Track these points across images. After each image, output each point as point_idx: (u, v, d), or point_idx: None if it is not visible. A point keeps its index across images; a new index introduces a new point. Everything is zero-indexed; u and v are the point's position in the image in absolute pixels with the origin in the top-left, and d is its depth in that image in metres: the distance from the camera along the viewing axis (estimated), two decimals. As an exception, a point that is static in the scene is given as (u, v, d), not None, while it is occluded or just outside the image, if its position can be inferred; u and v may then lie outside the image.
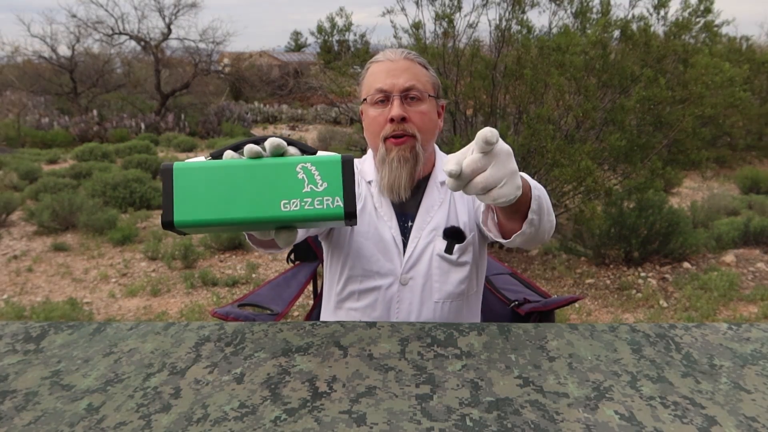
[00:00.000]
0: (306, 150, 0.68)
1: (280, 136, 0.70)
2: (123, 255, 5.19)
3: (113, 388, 0.76)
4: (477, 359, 0.81)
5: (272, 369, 0.79)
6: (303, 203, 0.63)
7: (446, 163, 0.77)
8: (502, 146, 0.78)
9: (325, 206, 0.63)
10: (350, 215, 0.64)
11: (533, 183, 1.03)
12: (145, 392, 0.75)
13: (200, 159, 0.68)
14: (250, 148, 0.68)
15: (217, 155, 0.68)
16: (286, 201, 0.63)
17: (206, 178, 0.63)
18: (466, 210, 1.31)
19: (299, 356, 0.83)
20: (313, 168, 0.63)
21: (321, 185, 0.63)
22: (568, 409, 0.69)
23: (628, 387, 0.74)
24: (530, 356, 0.82)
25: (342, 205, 0.63)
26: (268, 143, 0.69)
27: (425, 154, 1.27)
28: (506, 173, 0.78)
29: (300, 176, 0.63)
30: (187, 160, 0.67)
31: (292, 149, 0.69)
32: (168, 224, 0.63)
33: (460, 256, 1.28)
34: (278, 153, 0.68)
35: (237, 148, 0.68)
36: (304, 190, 0.63)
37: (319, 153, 0.69)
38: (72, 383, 0.77)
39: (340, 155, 0.66)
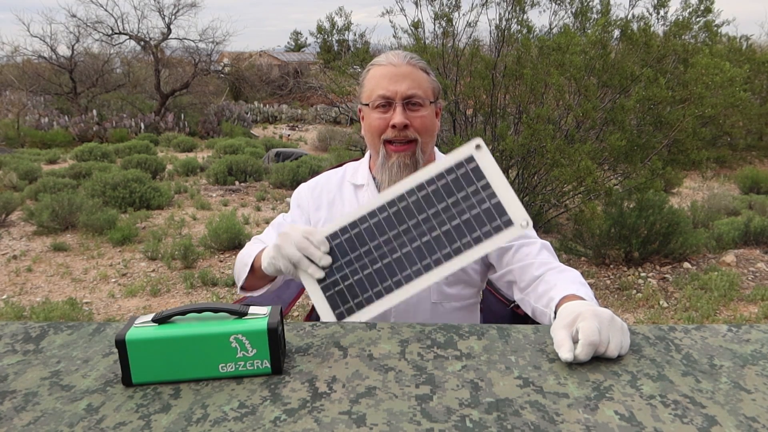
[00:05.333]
0: (235, 312, 0.80)
1: (207, 305, 0.80)
2: (123, 255, 5.19)
3: (113, 389, 0.76)
4: (477, 360, 0.81)
5: (272, 369, 0.79)
6: (237, 365, 0.78)
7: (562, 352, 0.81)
8: (603, 316, 0.83)
9: (255, 367, 0.78)
10: (277, 372, 0.79)
11: (591, 294, 1.07)
12: (145, 392, 0.75)
13: (148, 318, 0.79)
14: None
15: (164, 318, 0.79)
16: (224, 364, 0.78)
17: (155, 348, 0.76)
18: None
19: (299, 356, 0.83)
20: (244, 338, 0.77)
21: (251, 351, 0.78)
22: (568, 410, 0.69)
23: (628, 386, 0.74)
24: (530, 357, 0.82)
25: (269, 366, 0.78)
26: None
27: (425, 156, 1.27)
28: (623, 334, 0.83)
29: (233, 345, 0.77)
30: (136, 322, 0.79)
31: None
32: (128, 383, 0.77)
33: None
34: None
35: (184, 314, 0.80)
36: (237, 356, 0.78)
37: (251, 310, 0.81)
38: (71, 383, 0.77)
39: (266, 321, 0.78)
